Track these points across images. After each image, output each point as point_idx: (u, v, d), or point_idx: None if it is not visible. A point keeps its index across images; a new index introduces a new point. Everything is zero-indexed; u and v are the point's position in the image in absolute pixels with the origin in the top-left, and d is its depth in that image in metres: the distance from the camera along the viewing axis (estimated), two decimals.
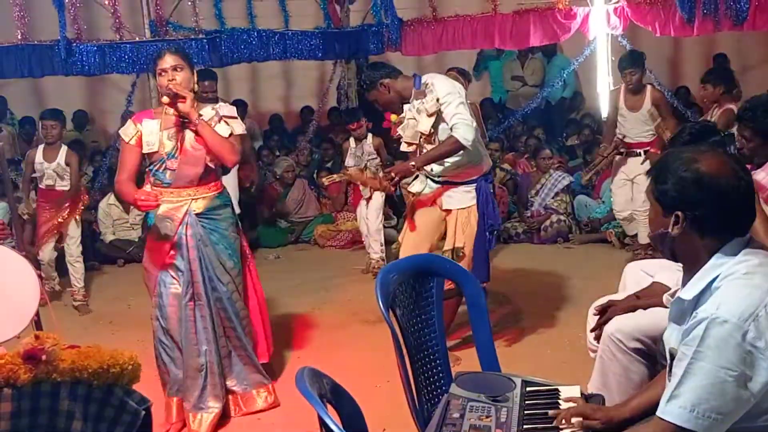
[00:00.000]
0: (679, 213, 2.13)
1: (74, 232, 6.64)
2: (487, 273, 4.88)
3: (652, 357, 3.33)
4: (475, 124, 4.55)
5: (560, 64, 10.16)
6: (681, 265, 2.32)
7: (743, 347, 2.00)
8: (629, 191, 6.76)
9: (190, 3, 8.54)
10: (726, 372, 2.01)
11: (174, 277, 4.13)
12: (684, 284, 2.26)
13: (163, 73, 3.99)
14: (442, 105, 4.51)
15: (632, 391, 3.29)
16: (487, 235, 4.77)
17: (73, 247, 6.63)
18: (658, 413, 2.14)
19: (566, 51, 10.41)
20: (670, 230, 2.17)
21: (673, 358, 2.19)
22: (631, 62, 6.58)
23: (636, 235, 6.96)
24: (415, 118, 4.65)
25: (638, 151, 6.61)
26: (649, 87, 6.65)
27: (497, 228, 4.96)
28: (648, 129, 6.55)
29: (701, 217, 2.12)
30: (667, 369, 2.25)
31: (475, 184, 4.72)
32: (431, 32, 8.88)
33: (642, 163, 6.53)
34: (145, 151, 4.07)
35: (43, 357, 2.18)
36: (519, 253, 7.53)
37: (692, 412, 2.05)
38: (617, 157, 6.75)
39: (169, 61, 3.99)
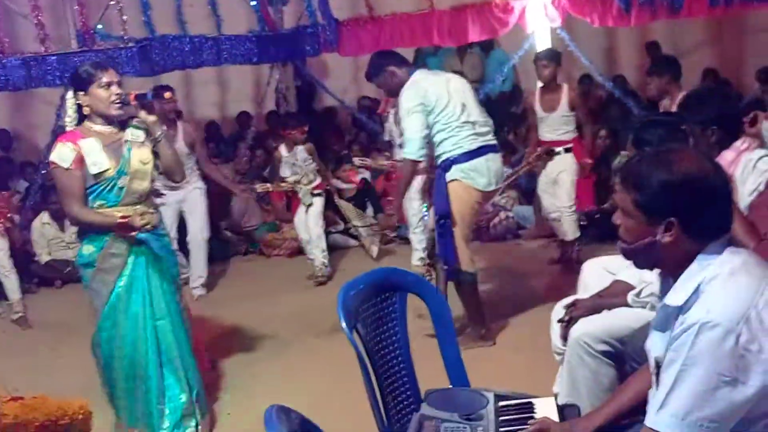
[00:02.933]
0: (673, 219, 2.03)
1: (2, 243, 6.44)
2: (448, 257, 4.85)
3: (621, 359, 3.30)
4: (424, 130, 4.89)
5: (499, 58, 10.15)
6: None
7: (736, 351, 1.92)
8: (554, 191, 6.57)
9: (117, 11, 8.24)
10: (719, 377, 1.93)
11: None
12: (664, 290, 2.18)
13: (109, 86, 3.88)
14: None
15: (602, 394, 3.27)
16: (440, 221, 4.83)
17: (5, 258, 6.46)
18: (648, 424, 2.06)
19: (505, 45, 10.38)
20: (659, 238, 2.07)
21: (659, 366, 2.10)
22: (545, 55, 6.59)
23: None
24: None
25: (558, 149, 6.50)
26: (565, 86, 6.57)
27: (442, 216, 4.86)
28: (568, 128, 6.49)
29: (694, 220, 2.03)
30: (653, 378, 2.16)
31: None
32: (368, 32, 8.75)
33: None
34: (93, 172, 3.85)
35: None
36: None
37: (684, 420, 1.97)
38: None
39: (113, 74, 3.91)
